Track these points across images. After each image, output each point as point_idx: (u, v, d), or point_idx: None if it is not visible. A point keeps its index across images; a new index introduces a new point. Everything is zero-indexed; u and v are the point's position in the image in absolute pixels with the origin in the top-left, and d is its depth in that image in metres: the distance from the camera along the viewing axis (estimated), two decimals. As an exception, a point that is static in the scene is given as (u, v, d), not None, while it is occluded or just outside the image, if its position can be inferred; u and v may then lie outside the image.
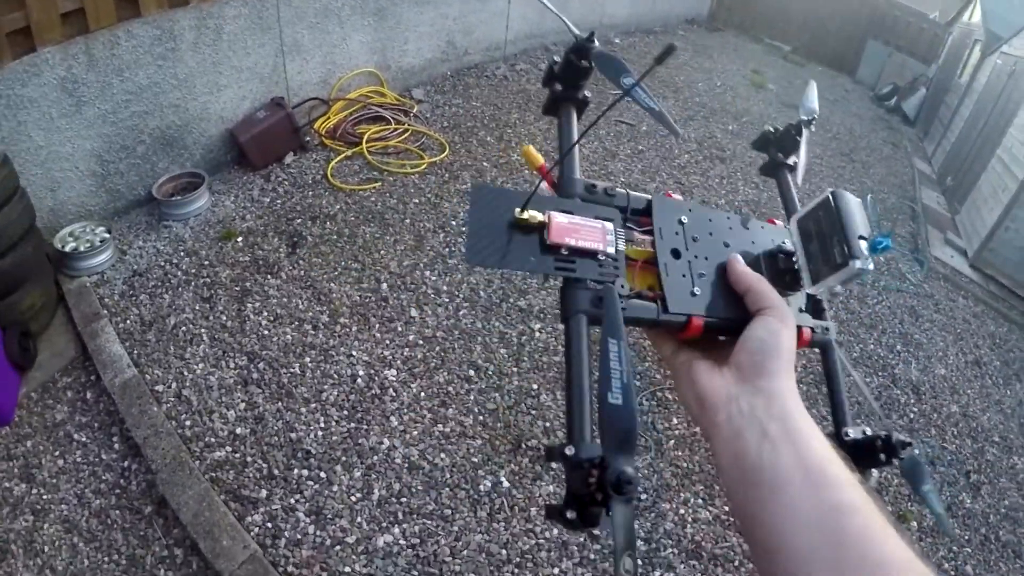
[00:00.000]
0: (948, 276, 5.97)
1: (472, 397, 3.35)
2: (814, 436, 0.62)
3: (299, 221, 4.24)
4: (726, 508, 3.10)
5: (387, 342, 3.54)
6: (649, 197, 0.82)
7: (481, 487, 2.96)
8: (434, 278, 4.00)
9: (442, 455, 3.05)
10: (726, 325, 0.76)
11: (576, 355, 0.68)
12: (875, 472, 0.95)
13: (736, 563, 2.90)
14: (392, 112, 5.43)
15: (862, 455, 0.94)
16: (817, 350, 0.93)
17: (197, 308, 3.56)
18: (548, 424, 3.29)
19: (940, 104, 9.90)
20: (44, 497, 2.78)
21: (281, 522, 2.73)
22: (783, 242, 0.86)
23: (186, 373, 3.24)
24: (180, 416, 3.06)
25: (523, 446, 3.16)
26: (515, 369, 3.54)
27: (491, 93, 6.23)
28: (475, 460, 3.06)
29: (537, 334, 3.78)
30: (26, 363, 3.16)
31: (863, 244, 0.74)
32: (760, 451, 0.61)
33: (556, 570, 2.73)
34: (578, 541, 2.83)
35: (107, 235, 3.76)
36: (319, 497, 2.82)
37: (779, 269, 0.83)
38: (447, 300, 3.87)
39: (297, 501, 2.80)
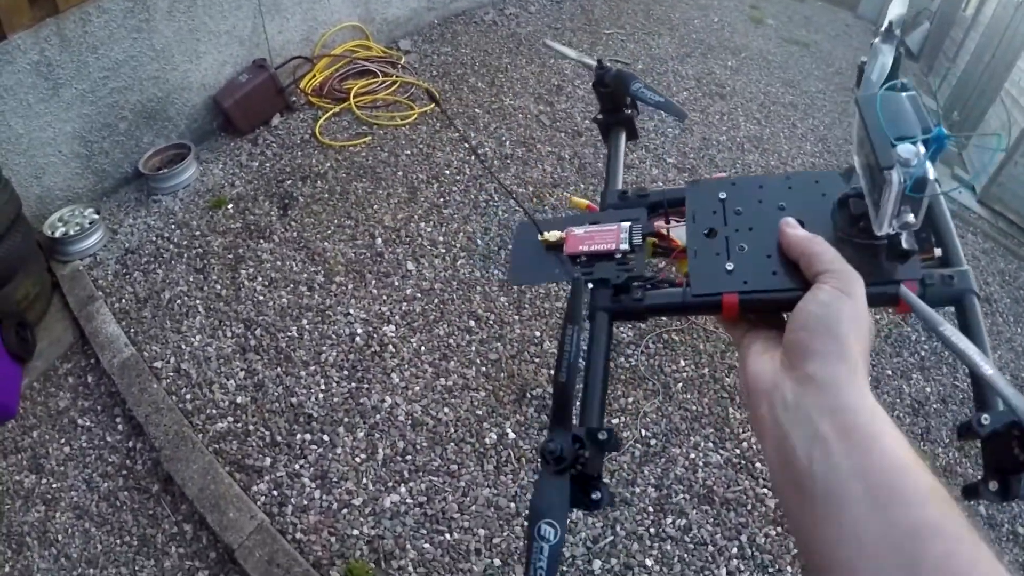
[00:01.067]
0: (956, 212, 5.75)
1: (473, 348, 3.30)
2: (882, 435, 0.50)
3: (289, 182, 4.17)
4: (737, 451, 3.04)
5: (384, 298, 3.49)
6: (686, 188, 0.81)
7: (487, 440, 2.92)
8: (429, 229, 3.93)
9: (445, 409, 3.01)
10: (789, 297, 0.64)
11: (596, 348, 0.74)
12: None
13: (748, 507, 2.84)
14: (379, 65, 5.30)
15: (999, 454, 0.65)
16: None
17: (191, 280, 3.52)
18: (552, 372, 3.21)
19: (944, 38, 9.62)
20: (54, 486, 2.79)
21: (287, 489, 2.71)
22: (859, 185, 0.70)
23: (184, 346, 3.21)
24: (180, 390, 3.04)
25: (528, 395, 3.11)
26: (516, 317, 3.47)
27: (480, 39, 6.07)
28: (479, 413, 3.02)
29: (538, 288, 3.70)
30: (26, 354, 3.15)
31: (902, 147, 0.59)
32: (810, 455, 0.51)
33: (566, 521, 2.69)
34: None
35: (96, 216, 3.72)
36: (323, 461, 2.80)
37: (852, 215, 0.68)
38: (443, 251, 3.79)
39: (302, 467, 2.78)
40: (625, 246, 0.77)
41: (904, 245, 0.66)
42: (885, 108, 0.63)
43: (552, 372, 0.96)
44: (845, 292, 0.58)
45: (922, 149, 0.59)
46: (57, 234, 3.58)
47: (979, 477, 0.64)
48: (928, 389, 3.65)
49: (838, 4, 11.44)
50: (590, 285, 0.78)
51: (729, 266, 0.70)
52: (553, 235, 0.83)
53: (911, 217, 0.61)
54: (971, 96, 7.57)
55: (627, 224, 0.80)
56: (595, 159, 4.68)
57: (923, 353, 3.86)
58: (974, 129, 6.92)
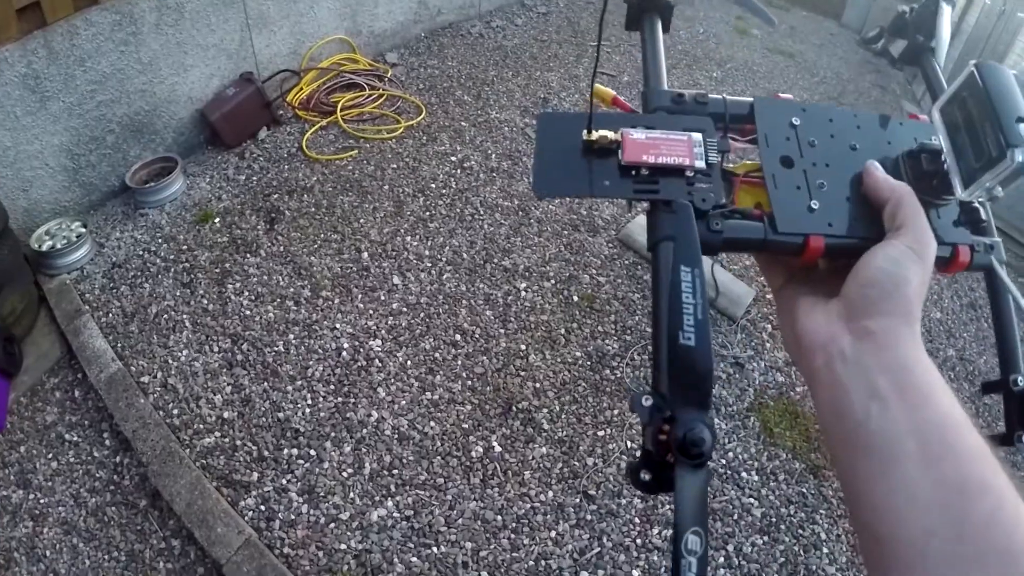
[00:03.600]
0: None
1: (459, 362, 3.32)
2: (937, 394, 0.51)
3: (276, 196, 4.18)
4: (723, 461, 3.07)
5: (370, 312, 3.51)
6: (751, 100, 0.71)
7: (473, 453, 2.95)
8: (415, 243, 3.95)
9: (432, 423, 3.04)
10: (858, 246, 0.62)
11: (662, 298, 0.57)
12: None
13: (735, 516, 2.88)
14: (366, 78, 5.32)
15: None
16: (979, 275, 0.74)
17: (178, 294, 3.53)
18: (538, 385, 3.25)
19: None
20: (41, 501, 2.79)
21: (274, 504, 2.72)
22: (929, 139, 0.69)
23: (171, 361, 3.22)
24: (167, 405, 3.04)
25: (514, 409, 3.14)
26: (502, 331, 3.50)
27: (467, 52, 6.10)
28: (465, 426, 3.05)
29: (523, 293, 3.72)
30: (12, 368, 3.14)
31: (1020, 127, 0.58)
32: (868, 411, 0.52)
33: (553, 533, 2.72)
34: (574, 503, 2.82)
35: (83, 230, 3.72)
36: (310, 476, 2.81)
37: (923, 171, 0.67)
38: (429, 265, 3.82)
39: (289, 481, 2.80)
40: (700, 163, 0.63)
41: (982, 215, 0.69)
42: (1011, 84, 0.61)
43: (658, 335, 0.54)
44: (919, 254, 0.58)
45: None
46: (44, 248, 3.58)
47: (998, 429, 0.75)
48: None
49: (823, 14, 11.51)
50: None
51: (814, 204, 0.65)
52: (604, 133, 0.62)
53: (1000, 191, 0.62)
54: None
55: (699, 136, 0.65)
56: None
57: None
58: None
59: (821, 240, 0.63)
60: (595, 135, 0.62)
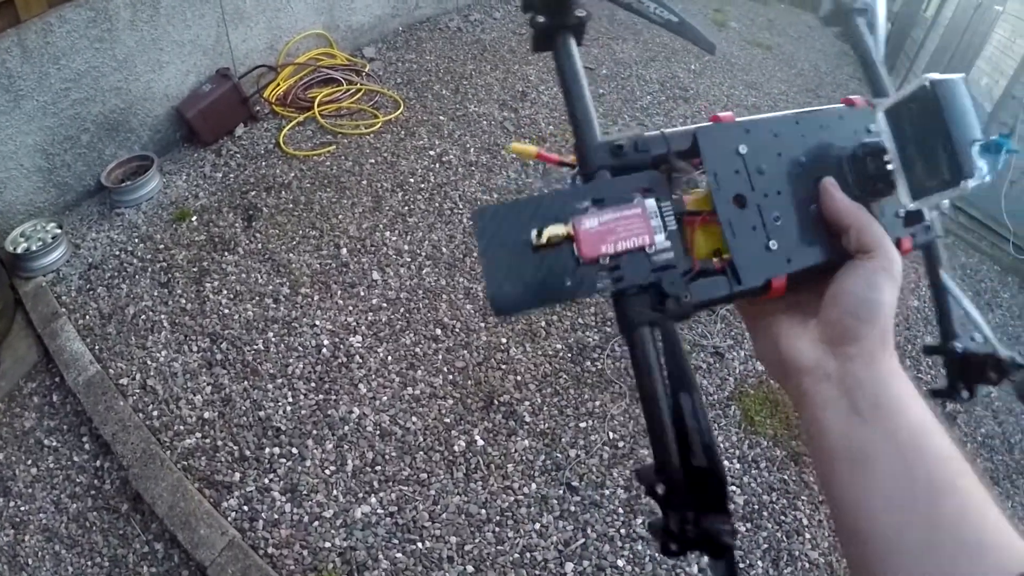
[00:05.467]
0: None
1: (440, 357, 3.31)
2: (910, 404, 0.55)
3: (253, 193, 4.16)
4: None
5: (350, 308, 3.50)
6: (693, 130, 0.65)
7: (455, 447, 2.94)
8: (395, 238, 3.94)
9: (413, 419, 3.03)
10: (820, 267, 0.64)
11: (647, 374, 0.56)
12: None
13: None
14: (343, 73, 5.29)
15: (971, 371, 0.88)
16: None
17: (155, 294, 3.50)
18: (519, 378, 3.25)
19: (905, 38, 9.74)
20: (22, 509, 2.76)
21: (257, 504, 2.71)
22: (868, 130, 0.70)
23: (149, 362, 3.19)
24: (147, 407, 3.02)
25: (495, 402, 3.14)
26: (482, 325, 3.50)
27: (445, 46, 6.09)
28: (447, 421, 3.04)
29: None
30: (-11, 373, 3.12)
31: (977, 152, 0.58)
32: (849, 425, 0.55)
33: (537, 525, 2.72)
34: (557, 494, 2.83)
35: (58, 231, 3.69)
36: (293, 474, 2.80)
37: (869, 175, 0.66)
38: (409, 260, 3.81)
39: (271, 480, 2.78)
40: (661, 237, 0.58)
41: (926, 219, 0.71)
42: (967, 105, 0.60)
43: (652, 416, 0.53)
44: (891, 273, 0.60)
45: (986, 169, 0.59)
46: (19, 250, 3.55)
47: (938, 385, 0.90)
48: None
49: (800, 7, 11.55)
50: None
51: (773, 244, 0.63)
52: (553, 231, 0.57)
53: (947, 204, 0.64)
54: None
55: (651, 203, 0.60)
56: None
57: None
58: None
59: (783, 279, 0.63)
60: (544, 235, 0.56)
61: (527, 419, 3.07)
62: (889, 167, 0.64)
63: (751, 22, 8.43)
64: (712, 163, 0.64)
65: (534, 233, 0.56)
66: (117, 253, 3.72)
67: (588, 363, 3.36)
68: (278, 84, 5.03)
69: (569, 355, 3.38)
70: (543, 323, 3.53)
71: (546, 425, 3.07)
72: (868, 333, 0.58)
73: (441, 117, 5.07)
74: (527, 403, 3.15)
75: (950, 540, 0.48)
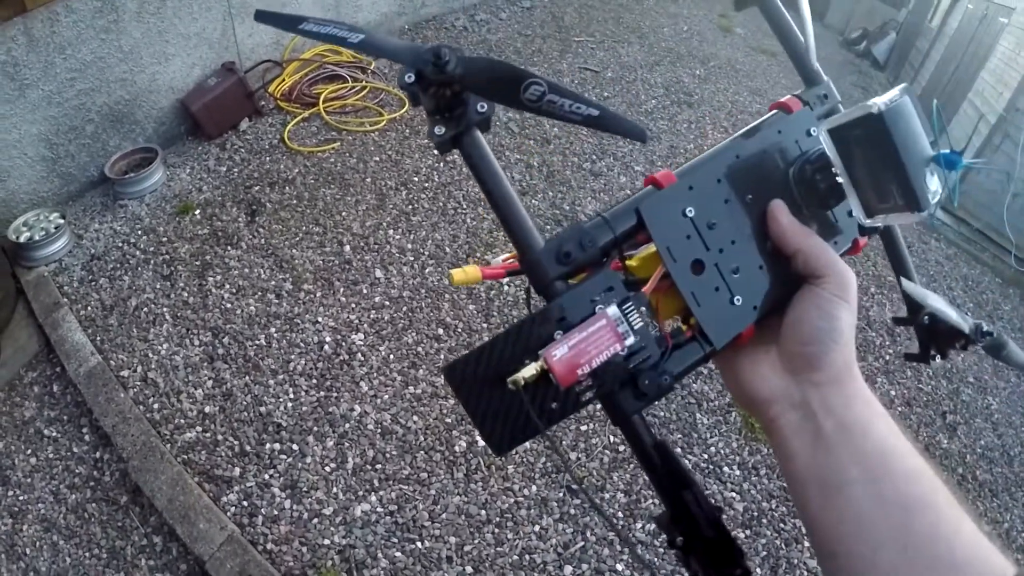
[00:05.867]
0: (927, 216, 5.87)
1: (442, 356, 3.31)
2: (876, 425, 0.56)
3: (257, 188, 4.15)
4: (704, 456, 3.10)
5: (353, 306, 3.49)
6: (634, 206, 0.63)
7: (456, 448, 2.94)
8: (398, 237, 3.93)
9: (415, 418, 3.03)
10: (780, 302, 0.64)
11: (644, 453, 0.61)
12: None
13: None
14: (349, 70, 5.29)
15: (940, 338, 0.91)
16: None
17: (158, 287, 3.49)
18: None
19: (911, 49, 9.78)
20: (21, 498, 2.76)
21: (257, 499, 2.71)
22: (810, 135, 0.70)
23: (151, 355, 3.19)
24: (148, 400, 3.02)
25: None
26: (485, 325, 3.50)
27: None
28: (448, 421, 3.04)
29: (506, 287, 3.73)
30: (-11, 362, 3.11)
31: (929, 176, 0.58)
32: (815, 451, 0.56)
33: (536, 527, 2.72)
34: (557, 497, 2.82)
35: (61, 221, 3.67)
36: (293, 471, 2.80)
37: (819, 192, 0.67)
38: (412, 259, 3.80)
39: (271, 476, 2.78)
40: (631, 340, 0.58)
41: (881, 229, 0.75)
42: (916, 130, 0.59)
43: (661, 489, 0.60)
44: (846, 299, 0.60)
45: (939, 185, 0.60)
46: (22, 239, 3.54)
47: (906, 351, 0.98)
48: (892, 392, 3.76)
49: (807, 15, 11.52)
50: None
51: (737, 300, 0.63)
52: (528, 372, 0.55)
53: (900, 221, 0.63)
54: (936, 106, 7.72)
55: (614, 310, 0.58)
56: (563, 167, 4.72)
57: (887, 357, 3.95)
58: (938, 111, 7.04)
59: (752, 327, 0.64)
60: (526, 374, 0.55)
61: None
62: (838, 179, 0.63)
63: (756, 28, 8.43)
64: (661, 237, 0.63)
65: (509, 382, 0.55)
66: (120, 245, 3.71)
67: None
68: (283, 79, 5.02)
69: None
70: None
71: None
72: (829, 360, 0.58)
73: (446, 116, 5.05)
74: (528, 404, 3.13)
75: (923, 558, 0.49)
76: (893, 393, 3.79)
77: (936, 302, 0.86)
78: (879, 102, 0.58)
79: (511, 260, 0.69)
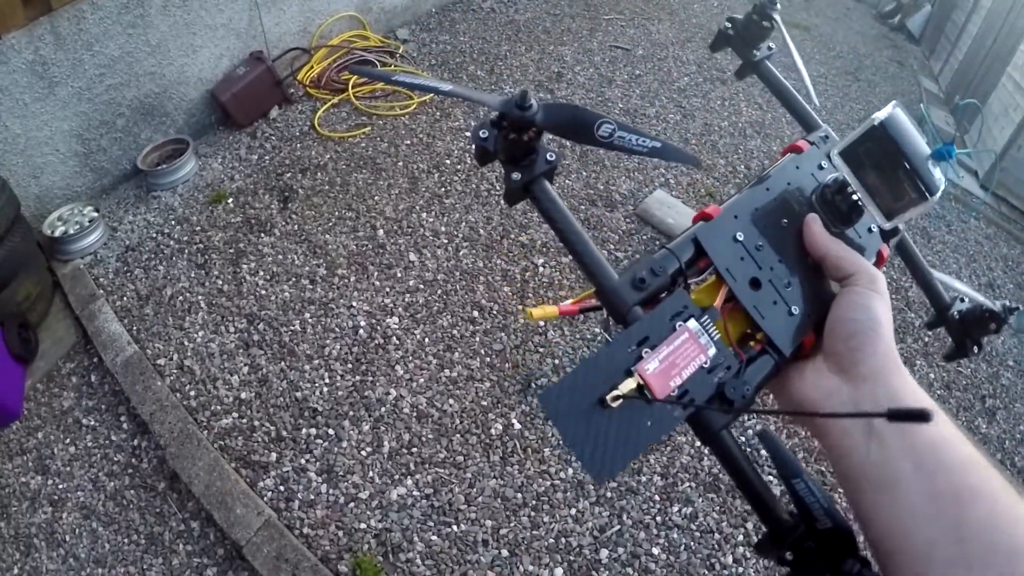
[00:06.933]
0: (959, 197, 5.71)
1: (477, 339, 3.28)
2: None
3: (289, 175, 4.14)
4: (742, 439, 3.02)
5: (387, 290, 3.47)
6: (694, 235, 0.70)
7: (492, 431, 2.91)
8: (431, 220, 3.90)
9: (450, 401, 3.00)
10: (825, 315, 0.68)
11: (738, 468, 0.63)
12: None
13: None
14: (377, 55, 5.26)
15: (972, 328, 1.00)
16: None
17: (192, 276, 3.50)
18: (557, 361, 3.21)
19: (946, 21, 9.54)
20: (60, 487, 2.78)
21: (293, 484, 2.70)
22: (823, 168, 0.78)
23: (186, 343, 3.19)
24: (184, 387, 3.02)
25: (533, 386, 3.10)
26: (520, 307, 3.46)
27: (479, 27, 6.03)
28: (484, 404, 3.00)
29: (541, 269, 3.68)
30: (28, 354, 3.13)
31: (932, 167, 0.67)
32: (868, 448, 0.56)
33: (573, 511, 2.68)
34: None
35: (95, 214, 3.70)
36: (329, 455, 2.78)
37: (841, 211, 0.73)
38: (446, 241, 3.77)
39: (307, 461, 2.77)
40: (713, 350, 0.62)
41: (901, 232, 0.80)
42: (913, 131, 0.69)
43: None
44: (877, 292, 0.64)
45: (940, 174, 0.68)
46: (57, 233, 3.56)
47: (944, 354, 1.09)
48: (932, 375, 3.67)
49: (839, -14, 11.35)
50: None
51: (795, 309, 0.69)
52: (626, 387, 0.57)
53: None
54: (973, 80, 7.51)
55: (694, 323, 0.63)
56: (594, 148, 4.65)
57: (926, 339, 3.85)
58: (975, 111, 6.88)
59: (812, 334, 0.69)
60: (624, 389, 0.57)
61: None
62: (856, 198, 0.72)
63: (789, 2, 8.30)
64: (720, 260, 0.69)
65: (609, 398, 0.57)
66: (154, 235, 3.72)
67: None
68: (312, 67, 5.01)
69: (608, 340, 3.32)
70: (581, 305, 3.47)
71: (584, 409, 3.01)
72: (871, 353, 0.60)
73: (476, 98, 5.02)
74: (565, 387, 3.09)
75: (981, 548, 0.48)
76: (932, 376, 3.70)
77: (963, 287, 0.94)
78: (877, 116, 0.68)
79: (580, 300, 0.73)
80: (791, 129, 5.43)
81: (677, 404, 0.59)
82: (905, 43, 9.42)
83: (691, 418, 0.61)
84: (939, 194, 0.66)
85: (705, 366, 0.61)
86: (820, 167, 0.78)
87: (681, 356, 0.61)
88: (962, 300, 1.03)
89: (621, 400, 0.57)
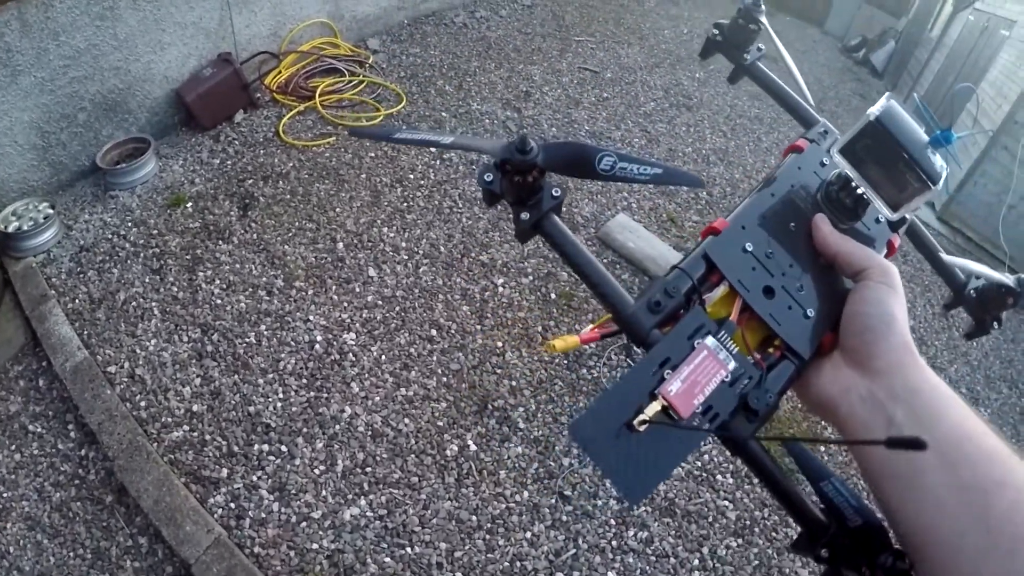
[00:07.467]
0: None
1: (435, 358, 3.27)
2: (947, 408, 0.57)
3: (250, 182, 4.10)
4: (698, 463, 3.07)
5: (345, 304, 3.45)
6: (703, 251, 0.71)
7: (448, 452, 2.91)
8: (392, 235, 3.89)
9: (406, 420, 2.99)
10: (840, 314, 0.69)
11: (768, 473, 0.67)
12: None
13: (710, 519, 2.87)
14: (346, 64, 5.23)
15: (990, 304, 1.02)
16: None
17: (147, 281, 3.44)
18: (514, 383, 3.22)
19: (909, 58, 9.81)
20: (5, 495, 2.71)
21: (244, 501, 2.67)
22: (824, 165, 0.80)
23: (138, 351, 3.14)
24: (135, 397, 2.97)
25: (489, 407, 3.10)
26: (478, 327, 3.46)
27: (450, 41, 6.05)
28: (440, 424, 3.00)
29: (500, 289, 3.69)
30: (-26, 354, 3.06)
31: (932, 156, 0.68)
32: None
33: (528, 534, 2.69)
34: (549, 503, 2.79)
35: (51, 211, 3.62)
36: (281, 472, 2.76)
37: (846, 207, 0.75)
38: (406, 257, 3.76)
39: (259, 478, 2.74)
40: (733, 364, 0.64)
41: (908, 221, 0.82)
42: (909, 122, 0.70)
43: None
44: (891, 285, 0.65)
45: (942, 161, 0.69)
46: (10, 229, 3.48)
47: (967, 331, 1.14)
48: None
49: (806, 20, 11.61)
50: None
51: (810, 312, 0.69)
52: (651, 411, 0.60)
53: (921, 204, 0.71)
54: (935, 115, 7.70)
55: (711, 340, 0.64)
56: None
57: (931, 352, 3.99)
58: (969, 93, 7.06)
59: (831, 334, 0.69)
60: (650, 412, 0.59)
61: (521, 425, 3.04)
62: (860, 191, 0.72)
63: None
64: (732, 273, 0.71)
65: (636, 422, 0.59)
66: (109, 236, 3.66)
67: (584, 371, 3.33)
68: (280, 72, 4.97)
69: (565, 362, 3.35)
70: (539, 328, 3.50)
71: (540, 432, 3.03)
72: (886, 347, 0.61)
73: (443, 113, 5.02)
74: (521, 409, 3.11)
75: (1007, 538, 0.48)
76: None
77: (978, 267, 0.96)
78: (872, 111, 0.69)
79: (598, 328, 0.79)
80: (754, 158, 5.53)
81: (703, 420, 0.62)
82: (869, 77, 9.65)
83: (718, 431, 0.63)
84: (942, 181, 0.67)
85: (727, 380, 0.63)
86: (822, 164, 0.80)
87: (702, 374, 0.63)
88: (977, 278, 1.05)
89: (648, 424, 0.59)
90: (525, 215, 0.75)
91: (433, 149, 4.20)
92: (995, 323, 1.06)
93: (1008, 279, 0.96)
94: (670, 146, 5.33)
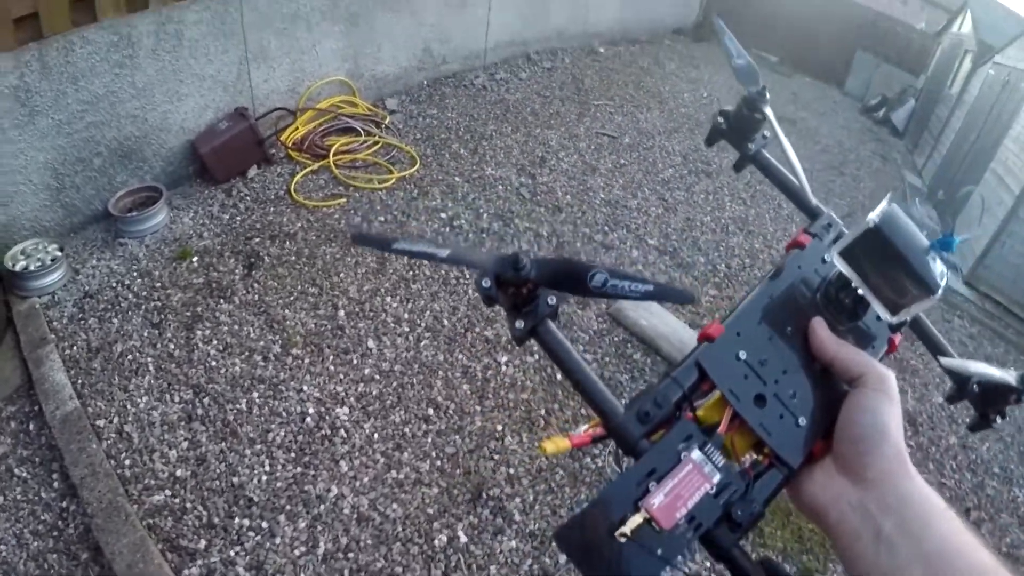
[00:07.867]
0: (942, 295, 5.85)
1: (430, 439, 3.24)
2: (936, 521, 0.57)
3: (257, 240, 4.13)
4: (692, 566, 3.02)
5: (341, 376, 3.44)
6: (695, 359, 0.72)
7: (436, 542, 2.85)
8: (395, 305, 3.89)
9: (394, 505, 2.95)
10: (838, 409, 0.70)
11: None
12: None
13: None
14: (363, 123, 5.30)
15: (991, 400, 1.03)
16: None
17: (145, 334, 3.44)
18: (512, 470, 3.17)
19: (930, 115, 9.87)
20: (-17, 539, 2.68)
21: (220, 577, 2.63)
22: (825, 262, 0.82)
23: (129, 407, 3.12)
24: (120, 455, 2.94)
25: (484, 495, 3.05)
26: (478, 408, 3.43)
27: (468, 103, 6.12)
28: (430, 511, 2.96)
29: (504, 368, 3.67)
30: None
31: (932, 262, 0.68)
32: (877, 552, 0.57)
33: (513, 638, 2.65)
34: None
35: (59, 253, 3.64)
36: (260, 550, 2.72)
37: (846, 307, 0.76)
38: (407, 329, 3.76)
39: (237, 554, 2.70)
40: (717, 477, 0.65)
41: (908, 322, 0.82)
42: (910, 229, 0.70)
43: None
44: (887, 394, 0.65)
45: (943, 266, 0.69)
46: (18, 267, 3.50)
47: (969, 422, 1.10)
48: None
49: (825, 81, 11.74)
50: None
51: (801, 421, 0.70)
52: (633, 523, 0.61)
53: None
54: (956, 174, 7.66)
55: (698, 454, 0.65)
56: (573, 237, 4.73)
57: (910, 448, 3.91)
58: (958, 208, 7.02)
59: (821, 443, 0.69)
60: (633, 524, 0.62)
61: (517, 517, 2.99)
62: (860, 292, 0.73)
63: (775, 95, 8.49)
64: (723, 382, 0.71)
65: (617, 535, 0.61)
66: (114, 285, 3.67)
67: (587, 459, 3.29)
68: (296, 128, 5.03)
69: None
70: (543, 411, 3.47)
71: (537, 525, 2.97)
72: (880, 456, 0.61)
73: (456, 178, 5.06)
74: (518, 499, 3.06)
75: None
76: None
77: (977, 367, 0.94)
78: (872, 216, 0.69)
79: (591, 429, 0.77)
80: (775, 226, 5.54)
81: (687, 529, 0.63)
82: (889, 136, 9.74)
83: (703, 539, 0.64)
84: (940, 291, 0.68)
85: (711, 492, 0.64)
86: (823, 260, 0.81)
87: (686, 487, 0.64)
88: (979, 368, 1.03)
89: (633, 535, 0.61)
90: (520, 323, 0.78)
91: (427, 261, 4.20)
92: (999, 416, 1.07)
93: (1011, 377, 0.96)
94: (688, 215, 5.35)
